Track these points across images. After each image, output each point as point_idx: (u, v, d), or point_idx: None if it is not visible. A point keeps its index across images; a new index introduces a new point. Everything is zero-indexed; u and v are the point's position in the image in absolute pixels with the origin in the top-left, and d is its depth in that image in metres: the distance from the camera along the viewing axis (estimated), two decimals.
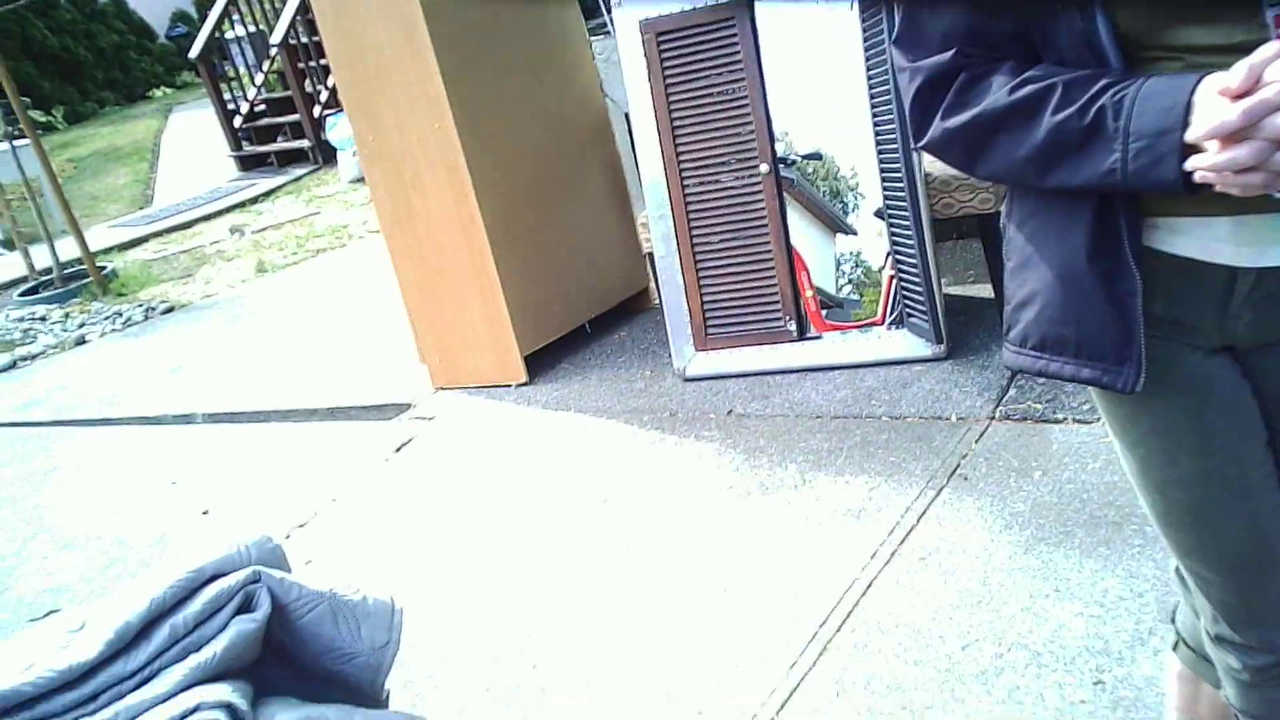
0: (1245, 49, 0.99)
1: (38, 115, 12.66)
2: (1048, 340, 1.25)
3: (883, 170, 3.44)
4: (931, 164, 3.47)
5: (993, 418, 3.02)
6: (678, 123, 3.65)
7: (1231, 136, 0.98)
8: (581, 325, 4.33)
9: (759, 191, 3.59)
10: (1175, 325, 1.23)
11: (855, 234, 3.60)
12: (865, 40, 3.37)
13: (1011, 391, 3.11)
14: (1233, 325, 1.22)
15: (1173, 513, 1.34)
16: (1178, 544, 1.35)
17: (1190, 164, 1.02)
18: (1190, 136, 1.01)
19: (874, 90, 3.38)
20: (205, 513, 3.65)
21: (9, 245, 8.60)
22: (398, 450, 3.75)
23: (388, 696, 1.76)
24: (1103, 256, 1.18)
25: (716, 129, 3.64)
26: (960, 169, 1.28)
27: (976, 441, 2.92)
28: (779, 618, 2.39)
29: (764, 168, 3.55)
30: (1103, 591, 2.22)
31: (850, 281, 3.63)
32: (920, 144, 1.27)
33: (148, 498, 3.89)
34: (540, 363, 4.09)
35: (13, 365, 6.07)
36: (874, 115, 3.38)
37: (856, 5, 3.39)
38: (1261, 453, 1.30)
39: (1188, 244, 1.17)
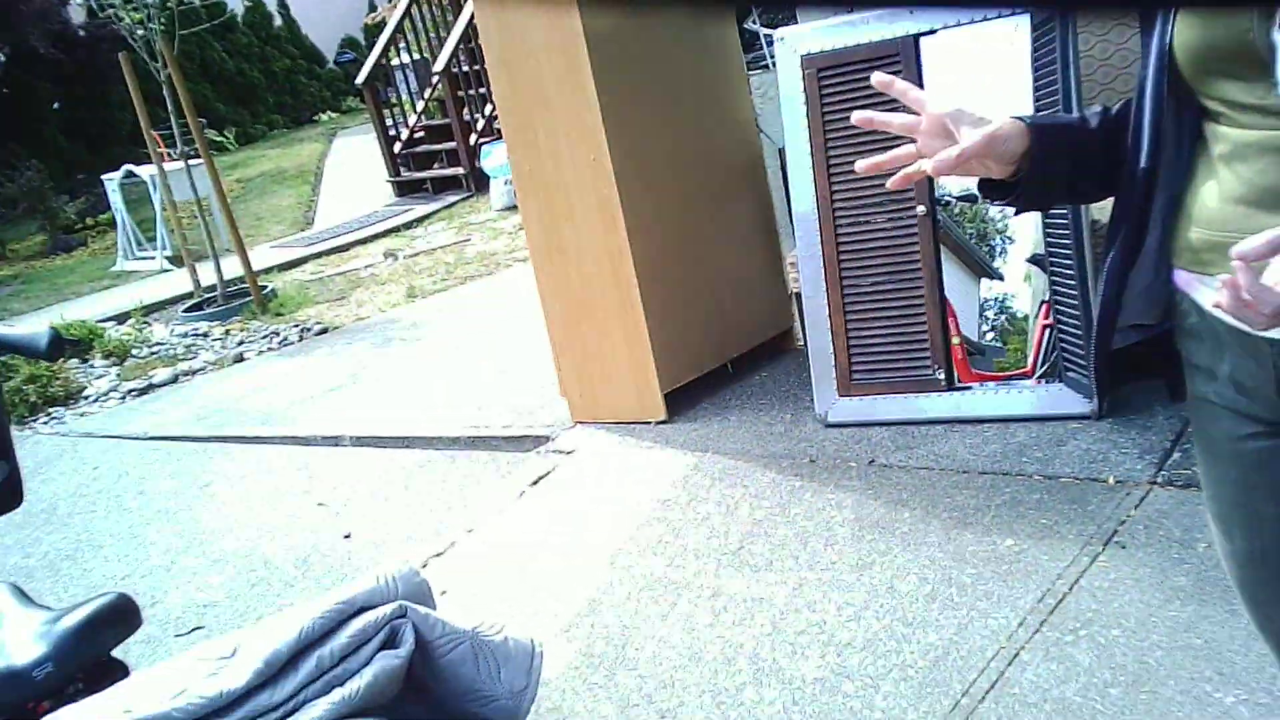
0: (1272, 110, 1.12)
1: (212, 135, 13.31)
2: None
3: (1046, 214, 3.34)
4: (1100, 210, 3.34)
5: (1154, 482, 2.88)
6: (834, 161, 3.59)
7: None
8: (723, 364, 4.30)
9: (914, 234, 3.51)
10: (1240, 390, 1.24)
11: (1002, 279, 3.50)
12: (1035, 74, 3.26)
13: (1175, 455, 2.97)
14: None
15: (1236, 587, 1.39)
16: (1251, 618, 1.40)
17: None
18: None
19: None
20: (347, 536, 3.73)
21: (177, 262, 9.02)
22: (534, 483, 3.77)
23: None
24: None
25: None
26: None
27: (1136, 507, 2.78)
28: (918, 682, 2.32)
29: (921, 210, 3.47)
30: (1270, 678, 2.09)
31: (994, 328, 3.52)
32: None
33: (294, 518, 4.00)
34: (680, 401, 4.08)
35: (175, 380, 6.35)
36: None
37: (1028, 31, 3.28)
38: None
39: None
